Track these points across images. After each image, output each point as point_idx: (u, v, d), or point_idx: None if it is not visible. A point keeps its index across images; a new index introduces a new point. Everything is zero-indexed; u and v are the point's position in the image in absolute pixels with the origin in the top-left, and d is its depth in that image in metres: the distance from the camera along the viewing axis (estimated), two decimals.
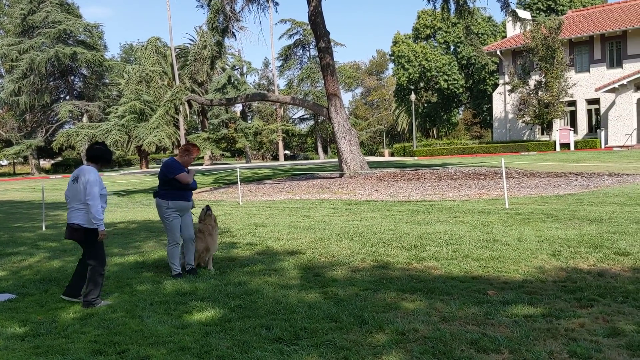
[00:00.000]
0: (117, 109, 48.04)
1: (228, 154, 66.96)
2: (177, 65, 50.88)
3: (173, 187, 6.89)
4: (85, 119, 53.65)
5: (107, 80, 60.47)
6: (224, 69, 59.59)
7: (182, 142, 51.61)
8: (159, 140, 40.14)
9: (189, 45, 59.08)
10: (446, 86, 56.04)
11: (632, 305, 4.91)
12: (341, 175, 22.75)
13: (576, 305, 4.99)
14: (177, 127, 51.39)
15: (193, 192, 7.22)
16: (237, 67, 63.98)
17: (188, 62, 51.86)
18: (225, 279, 6.58)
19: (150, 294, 6.07)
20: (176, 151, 69.96)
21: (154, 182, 28.96)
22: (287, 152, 72.34)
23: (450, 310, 5.00)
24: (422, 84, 58.20)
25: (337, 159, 25.83)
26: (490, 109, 49.62)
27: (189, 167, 7.19)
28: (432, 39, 59.54)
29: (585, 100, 37.46)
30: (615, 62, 36.36)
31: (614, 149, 32.13)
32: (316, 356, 4.07)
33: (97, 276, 5.75)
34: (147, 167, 56.21)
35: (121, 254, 8.49)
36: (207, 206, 7.50)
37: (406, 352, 4.06)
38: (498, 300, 5.22)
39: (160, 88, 48.30)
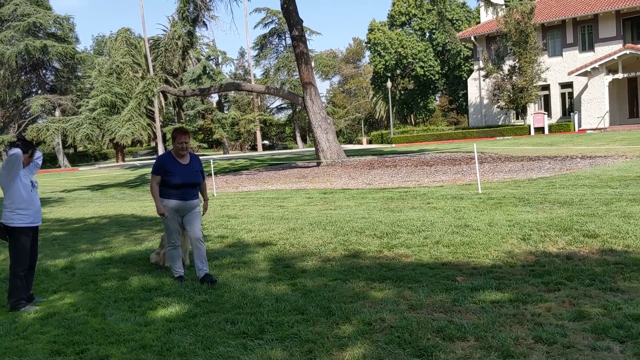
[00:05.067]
0: (87, 102, 47.22)
1: (205, 145, 66.37)
2: (150, 56, 50.15)
3: (163, 183, 6.14)
4: (58, 112, 52.69)
5: (79, 73, 59.40)
6: (198, 60, 58.88)
7: (159, 134, 51.00)
8: (132, 132, 39.57)
9: (162, 36, 58.22)
10: (422, 73, 56.12)
11: (598, 287, 4.92)
12: (318, 164, 22.67)
13: (543, 290, 4.97)
14: (153, 119, 50.73)
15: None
16: (212, 58, 63.24)
17: (160, 53, 51.25)
18: (192, 273, 6.45)
19: (115, 291, 5.93)
20: (152, 144, 68.96)
21: (129, 175, 28.56)
22: (265, 142, 71.89)
23: (418, 298, 4.95)
24: (398, 71, 58.21)
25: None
26: (466, 95, 49.85)
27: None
28: (407, 26, 59.51)
29: (559, 84, 37.82)
30: (587, 45, 36.71)
31: (587, 131, 32.53)
32: (280, 350, 3.99)
33: (14, 278, 5.56)
34: (124, 161, 55.44)
35: (88, 250, 8.30)
36: None
37: (372, 343, 4.00)
38: (466, 286, 5.19)
39: (131, 80, 47.58)
